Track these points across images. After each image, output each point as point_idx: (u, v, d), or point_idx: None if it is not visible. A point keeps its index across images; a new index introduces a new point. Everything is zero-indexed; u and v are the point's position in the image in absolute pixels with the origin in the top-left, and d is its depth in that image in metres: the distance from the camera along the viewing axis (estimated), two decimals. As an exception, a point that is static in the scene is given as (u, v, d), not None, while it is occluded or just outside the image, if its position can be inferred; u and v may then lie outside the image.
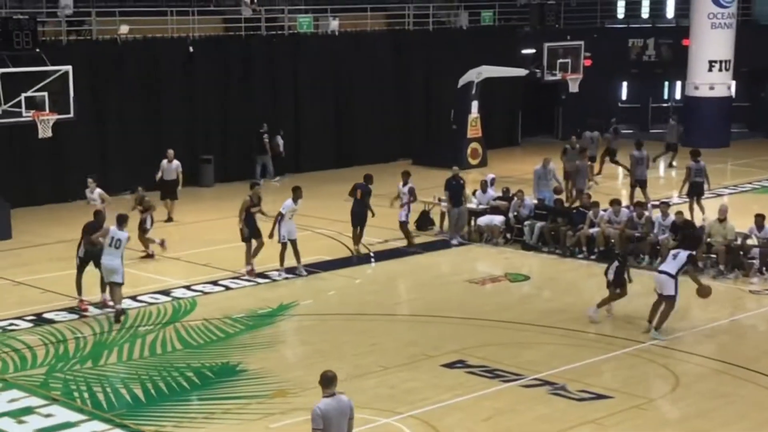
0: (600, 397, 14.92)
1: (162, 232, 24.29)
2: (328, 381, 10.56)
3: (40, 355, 16.85)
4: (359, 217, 23.31)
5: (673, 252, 18.09)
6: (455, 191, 24.46)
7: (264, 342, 17.51)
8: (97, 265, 18.94)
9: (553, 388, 15.25)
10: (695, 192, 26.23)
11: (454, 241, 24.27)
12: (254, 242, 21.42)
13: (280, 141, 33.26)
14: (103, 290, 19.27)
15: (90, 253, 19.13)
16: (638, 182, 27.60)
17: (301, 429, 13.82)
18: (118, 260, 18.49)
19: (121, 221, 18.83)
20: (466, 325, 18.36)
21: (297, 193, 21.55)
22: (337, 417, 10.48)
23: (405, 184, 24.23)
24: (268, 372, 15.97)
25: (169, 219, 26.60)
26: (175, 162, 26.75)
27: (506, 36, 39.19)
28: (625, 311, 19.30)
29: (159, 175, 26.63)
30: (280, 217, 21.29)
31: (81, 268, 19.27)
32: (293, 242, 21.48)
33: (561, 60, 36.62)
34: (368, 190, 23.63)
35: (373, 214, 23.49)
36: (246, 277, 21.32)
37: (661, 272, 17.73)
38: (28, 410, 14.47)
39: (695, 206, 25.99)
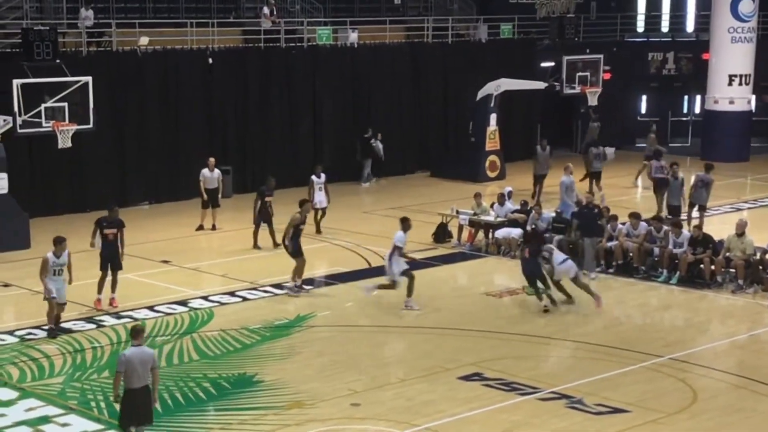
0: (617, 411, 14.85)
1: (189, 241, 24.28)
2: (137, 333, 12.81)
3: (58, 364, 16.90)
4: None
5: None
6: (587, 220, 22.85)
7: (281, 353, 17.51)
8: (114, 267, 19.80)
9: (570, 401, 15.19)
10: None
11: (593, 275, 22.08)
12: (297, 261, 21.08)
13: (380, 145, 34.30)
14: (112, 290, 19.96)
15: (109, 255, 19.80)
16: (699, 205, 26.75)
17: (316, 440, 13.87)
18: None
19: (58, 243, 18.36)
20: (483, 338, 18.31)
21: (406, 225, 20.14)
22: (140, 364, 12.55)
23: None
24: (285, 383, 15.96)
25: (213, 227, 26.87)
26: (216, 171, 26.94)
27: (525, 49, 39.18)
28: (643, 325, 19.26)
29: (201, 184, 26.75)
30: (396, 252, 19.76)
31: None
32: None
33: (580, 73, 36.54)
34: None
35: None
36: (264, 288, 21.34)
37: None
38: (45, 419, 14.51)
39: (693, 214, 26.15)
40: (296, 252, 21.04)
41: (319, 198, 26.40)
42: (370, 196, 32.20)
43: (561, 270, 20.03)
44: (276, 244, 24.31)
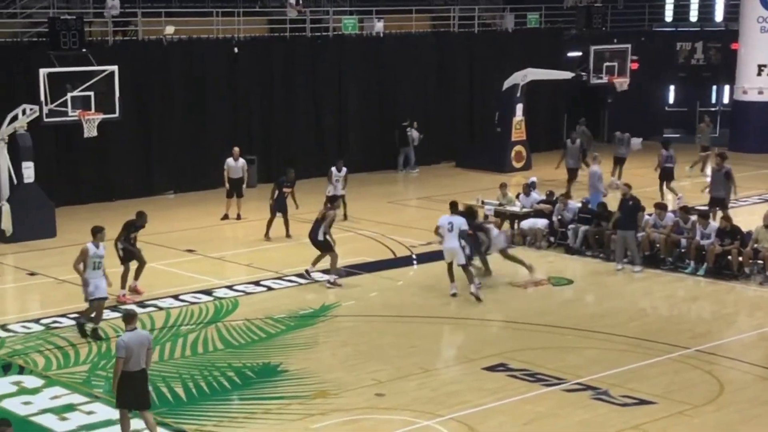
0: (643, 402, 14.75)
1: (214, 230, 24.31)
2: (130, 318, 13.18)
3: (83, 352, 16.95)
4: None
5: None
6: (630, 213, 22.24)
7: (305, 342, 17.49)
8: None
9: (595, 393, 15.10)
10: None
11: (637, 268, 21.91)
12: (331, 255, 20.99)
13: (416, 134, 34.56)
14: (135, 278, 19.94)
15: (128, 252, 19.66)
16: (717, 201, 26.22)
17: (341, 430, 13.85)
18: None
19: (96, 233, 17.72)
20: (508, 329, 18.24)
21: (460, 209, 20.63)
22: (138, 347, 12.85)
23: None
24: (309, 373, 15.94)
25: (238, 217, 26.91)
26: (241, 160, 26.96)
27: (552, 38, 39.00)
28: (669, 317, 19.14)
29: (225, 173, 26.76)
30: (461, 234, 19.85)
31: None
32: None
33: (607, 63, 36.32)
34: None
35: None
36: (289, 278, 21.33)
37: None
38: (71, 407, 14.54)
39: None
40: (328, 247, 21.01)
41: (337, 191, 26.30)
42: (395, 186, 32.12)
43: (497, 243, 20.96)
44: (289, 236, 24.39)
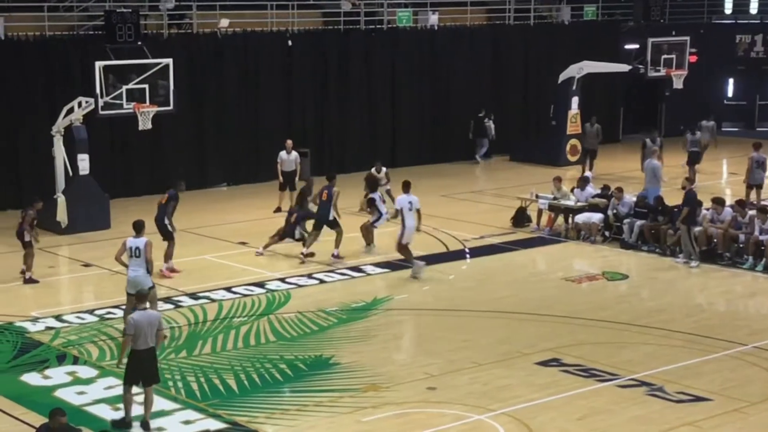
0: (699, 399, 14.54)
1: (267, 223, 24.33)
2: (142, 297, 13.89)
3: (136, 343, 17.02)
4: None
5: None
6: (694, 208, 22.08)
7: (357, 336, 17.45)
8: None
9: (650, 389, 14.90)
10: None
11: (694, 263, 21.75)
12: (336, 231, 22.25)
13: (492, 125, 34.84)
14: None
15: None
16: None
17: (392, 424, 13.79)
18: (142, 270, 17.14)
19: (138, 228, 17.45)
20: (561, 323, 18.06)
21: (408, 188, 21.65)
22: (147, 326, 13.35)
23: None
24: (361, 366, 15.90)
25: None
26: (294, 153, 26.96)
27: (609, 31, 38.59)
28: (727, 313, 18.85)
29: (278, 166, 26.80)
30: None
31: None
32: None
33: (665, 56, 35.86)
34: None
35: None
36: (341, 271, 21.31)
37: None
38: (117, 399, 14.60)
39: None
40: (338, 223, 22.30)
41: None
42: (448, 180, 31.92)
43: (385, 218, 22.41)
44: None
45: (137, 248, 16.84)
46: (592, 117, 32.61)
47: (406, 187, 21.53)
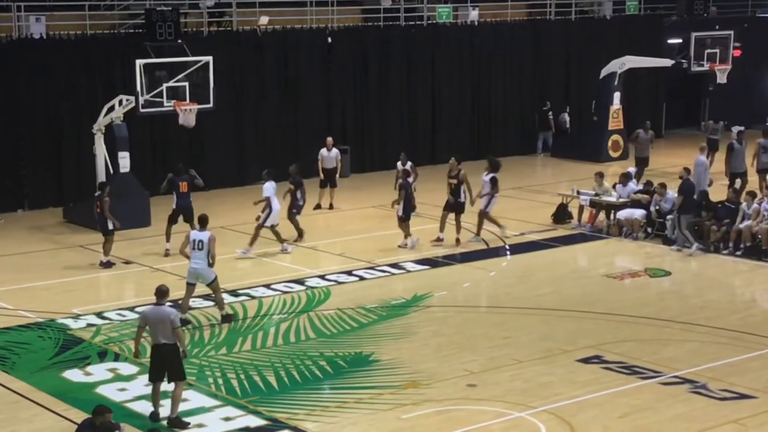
0: (743, 397, 14.35)
1: (307, 220, 24.31)
2: (161, 294, 13.89)
3: (176, 340, 17.05)
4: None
5: None
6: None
7: (397, 332, 17.39)
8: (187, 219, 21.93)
9: (693, 386, 14.73)
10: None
11: (689, 250, 22.12)
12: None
13: (567, 118, 35.57)
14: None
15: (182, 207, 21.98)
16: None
17: (432, 421, 13.71)
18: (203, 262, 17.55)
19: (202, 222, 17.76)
20: (603, 320, 17.89)
21: None
22: (158, 321, 13.57)
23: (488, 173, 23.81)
24: (401, 363, 15.84)
25: (331, 206, 26.95)
26: (334, 150, 26.96)
27: (652, 25, 38.26)
28: (772, 309, 18.65)
29: (319, 163, 26.80)
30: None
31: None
32: None
33: (709, 50, 35.49)
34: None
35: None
36: (381, 268, 21.25)
37: None
38: (164, 394, 14.52)
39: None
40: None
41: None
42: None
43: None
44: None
45: (200, 241, 17.41)
46: (646, 122, 31.21)
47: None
